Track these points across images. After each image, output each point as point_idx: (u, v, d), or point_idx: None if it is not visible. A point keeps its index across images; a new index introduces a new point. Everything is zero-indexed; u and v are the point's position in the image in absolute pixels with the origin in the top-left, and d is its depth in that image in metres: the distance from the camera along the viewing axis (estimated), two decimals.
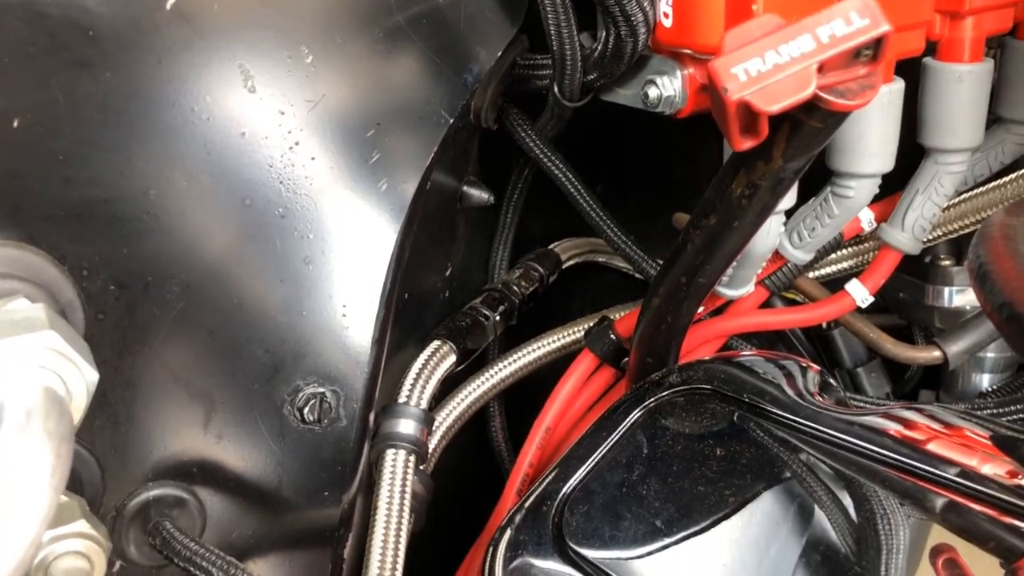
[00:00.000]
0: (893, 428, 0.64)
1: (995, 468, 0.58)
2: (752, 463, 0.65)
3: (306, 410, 0.64)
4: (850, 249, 0.83)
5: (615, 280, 1.00)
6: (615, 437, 0.68)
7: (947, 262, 0.86)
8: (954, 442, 0.62)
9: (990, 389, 0.87)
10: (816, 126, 0.51)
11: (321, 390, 0.65)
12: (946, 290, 0.85)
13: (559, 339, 0.87)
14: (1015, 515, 0.54)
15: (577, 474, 0.67)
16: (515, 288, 0.88)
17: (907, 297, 0.89)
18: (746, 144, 0.50)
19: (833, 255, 0.84)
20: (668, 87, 0.66)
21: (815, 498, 0.63)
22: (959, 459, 0.60)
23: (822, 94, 0.48)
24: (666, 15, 0.64)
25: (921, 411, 0.65)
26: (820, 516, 0.62)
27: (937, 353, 0.81)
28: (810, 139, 0.52)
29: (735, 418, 0.67)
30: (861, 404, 0.75)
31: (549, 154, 0.80)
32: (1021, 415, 0.72)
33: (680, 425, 0.69)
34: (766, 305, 0.85)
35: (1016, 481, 0.56)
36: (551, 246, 0.97)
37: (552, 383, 0.86)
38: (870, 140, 0.69)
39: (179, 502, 0.61)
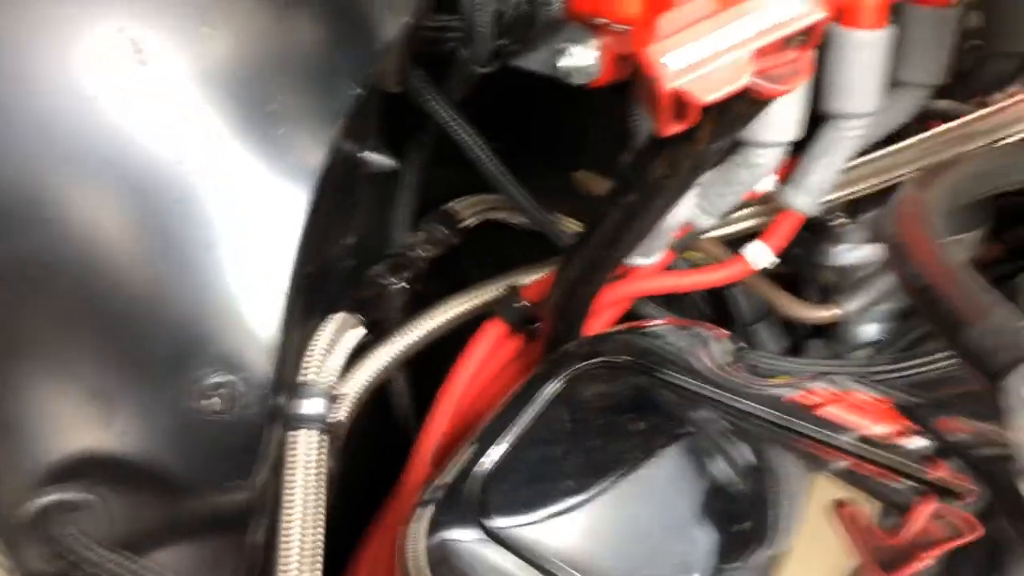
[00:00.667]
0: (798, 396, 0.65)
1: (886, 429, 0.61)
2: (669, 435, 0.66)
3: (212, 400, 0.61)
4: (753, 209, 0.84)
5: (518, 237, 0.98)
6: (533, 412, 0.68)
7: (841, 220, 0.88)
8: (851, 407, 0.64)
9: (879, 339, 0.91)
10: (743, 111, 0.51)
11: (227, 378, 0.61)
12: (840, 248, 0.88)
13: (465, 303, 0.86)
14: (903, 473, 0.57)
15: (496, 450, 0.67)
16: (419, 252, 0.86)
17: (801, 252, 0.91)
18: (674, 130, 0.49)
19: (736, 214, 0.84)
20: (581, 57, 0.64)
21: (729, 467, 0.65)
22: (856, 422, 0.62)
23: (755, 80, 0.47)
24: None
25: (824, 379, 0.67)
26: (736, 485, 0.64)
27: (836, 311, 0.84)
28: (736, 123, 0.52)
29: (651, 390, 0.68)
30: (768, 364, 0.76)
31: (456, 119, 0.77)
32: (912, 371, 0.75)
33: (597, 398, 0.69)
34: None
35: (902, 440, 0.59)
36: (450, 204, 0.95)
37: (459, 348, 0.85)
38: (780, 110, 0.69)
39: (80, 505, 0.57)
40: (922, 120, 0.83)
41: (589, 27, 0.64)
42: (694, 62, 0.46)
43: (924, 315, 0.52)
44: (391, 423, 0.95)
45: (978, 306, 0.45)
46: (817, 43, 0.48)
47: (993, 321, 0.44)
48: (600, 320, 0.83)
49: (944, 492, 0.54)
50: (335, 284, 0.78)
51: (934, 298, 0.49)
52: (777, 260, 0.81)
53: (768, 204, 0.84)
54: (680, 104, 0.47)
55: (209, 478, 0.62)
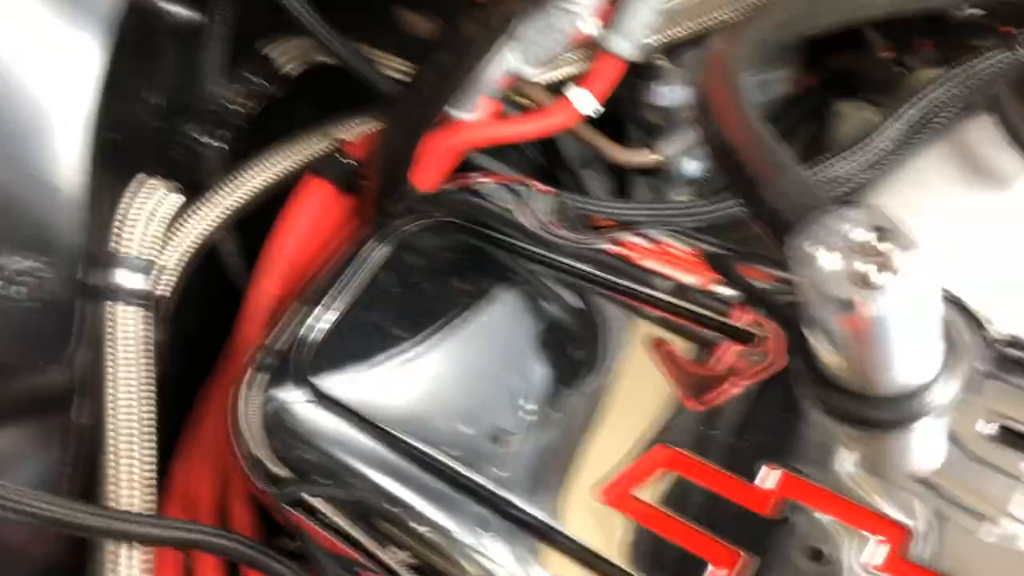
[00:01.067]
0: (617, 250, 0.68)
1: (696, 278, 0.64)
2: (495, 288, 0.68)
3: (13, 286, 0.58)
4: (577, 53, 0.83)
5: (339, 84, 0.94)
6: (362, 274, 0.68)
7: (660, 60, 0.88)
8: (665, 259, 0.67)
9: (701, 176, 0.94)
10: None
11: (29, 260, 0.58)
12: (660, 89, 0.88)
13: (287, 158, 0.82)
14: (712, 317, 0.61)
15: (326, 312, 0.67)
16: (235, 107, 0.82)
17: (621, 93, 0.91)
18: None
19: (562, 58, 0.83)
20: None
21: (555, 311, 0.67)
22: (669, 273, 0.65)
23: None
24: None
25: (640, 234, 0.69)
26: (562, 326, 0.66)
27: (654, 156, 0.86)
28: None
29: (477, 247, 0.69)
30: (593, 210, 0.77)
31: None
32: (726, 209, 0.78)
33: (424, 258, 0.70)
34: None
35: (710, 288, 0.62)
36: (265, 50, 0.89)
37: None
38: None
39: None
40: None
41: None
42: None
43: (722, 170, 0.54)
44: (226, 287, 0.93)
45: (772, 165, 0.47)
46: None
47: (784, 181, 0.46)
48: (430, 172, 0.82)
49: (747, 334, 0.58)
50: (145, 148, 0.74)
51: (732, 156, 0.50)
52: (601, 108, 0.81)
53: (592, 49, 0.83)
54: None
55: (18, 364, 0.59)
